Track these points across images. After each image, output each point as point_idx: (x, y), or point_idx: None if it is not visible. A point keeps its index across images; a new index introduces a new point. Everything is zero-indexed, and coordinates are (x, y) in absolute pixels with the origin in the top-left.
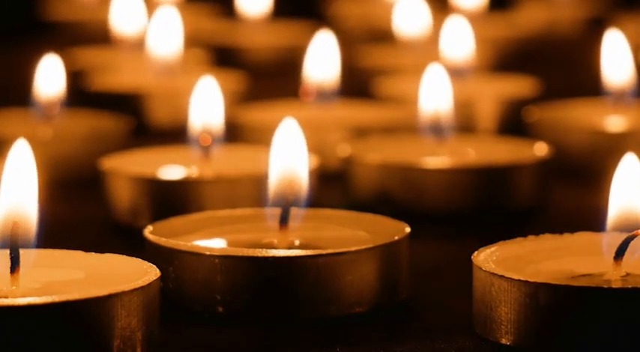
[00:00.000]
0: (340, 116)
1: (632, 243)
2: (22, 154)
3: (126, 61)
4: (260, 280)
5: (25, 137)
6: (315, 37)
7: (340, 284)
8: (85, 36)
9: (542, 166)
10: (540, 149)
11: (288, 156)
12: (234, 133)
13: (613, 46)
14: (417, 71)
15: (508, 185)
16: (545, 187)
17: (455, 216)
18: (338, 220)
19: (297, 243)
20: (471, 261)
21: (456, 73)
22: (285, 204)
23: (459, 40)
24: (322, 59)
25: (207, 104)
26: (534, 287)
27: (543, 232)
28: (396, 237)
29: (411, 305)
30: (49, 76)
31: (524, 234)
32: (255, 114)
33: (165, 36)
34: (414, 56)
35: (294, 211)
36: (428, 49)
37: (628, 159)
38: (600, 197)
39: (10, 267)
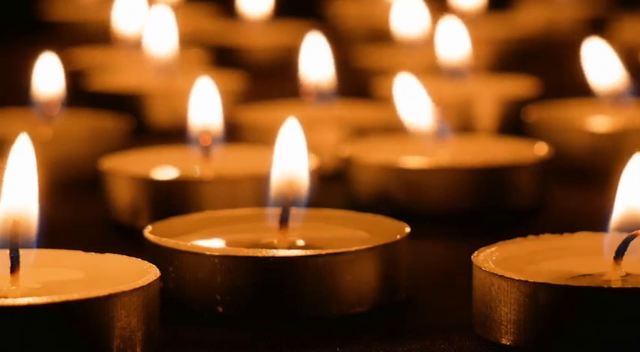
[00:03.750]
0: (340, 116)
1: (632, 243)
2: (23, 153)
3: (126, 61)
4: (260, 280)
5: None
6: (307, 38)
7: (340, 284)
8: (85, 36)
9: (542, 166)
10: (540, 149)
11: (289, 157)
12: (234, 133)
13: (602, 49)
14: (417, 71)
15: (508, 185)
16: (545, 187)
17: (455, 216)
18: (338, 220)
19: (297, 243)
20: (471, 261)
21: (456, 74)
22: (285, 204)
23: (459, 41)
24: (319, 59)
25: (205, 105)
26: (534, 287)
27: (543, 232)
28: (396, 237)
29: (411, 305)
30: (49, 76)
31: (524, 234)
32: (255, 114)
33: (165, 36)
34: (413, 56)
35: (294, 211)
36: (427, 49)
37: (636, 160)
38: (600, 197)
39: (10, 267)
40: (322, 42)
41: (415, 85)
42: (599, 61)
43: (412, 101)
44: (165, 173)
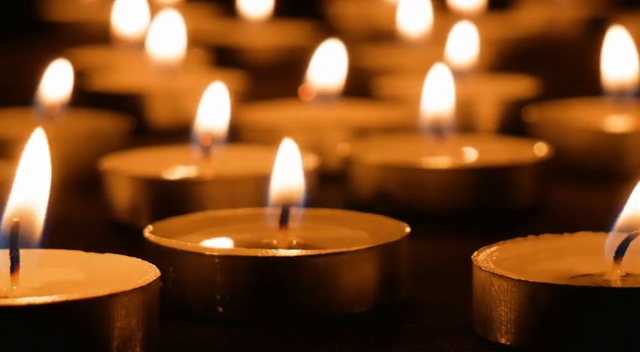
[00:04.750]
0: (340, 116)
1: (632, 243)
2: (37, 151)
3: (127, 61)
4: (260, 280)
5: (25, 137)
6: (323, 42)
7: (340, 284)
8: (86, 36)
9: (542, 166)
10: (540, 149)
11: (288, 160)
12: (234, 133)
13: (615, 46)
14: (418, 71)
15: (508, 185)
16: (545, 187)
17: (455, 216)
18: (338, 220)
19: (297, 243)
20: (470, 261)
21: (457, 74)
22: (286, 204)
23: (460, 41)
24: (327, 62)
25: (214, 107)
26: (534, 287)
27: (543, 232)
28: (396, 237)
29: (411, 305)
30: (57, 78)
31: (524, 234)
32: (255, 115)
33: (166, 36)
34: (414, 56)
35: (294, 211)
36: (428, 49)
37: None
38: (600, 197)
39: (10, 267)
40: (336, 46)
41: (445, 82)
42: (612, 57)
43: (436, 98)
44: (166, 173)
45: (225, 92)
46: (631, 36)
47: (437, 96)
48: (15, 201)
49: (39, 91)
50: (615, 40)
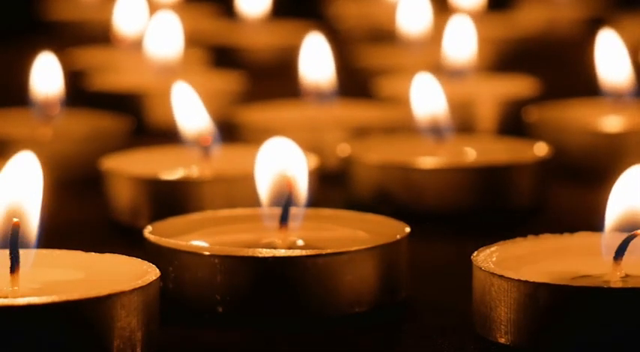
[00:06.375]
0: (340, 116)
1: (632, 243)
2: (26, 157)
3: (126, 61)
4: (260, 280)
5: (25, 137)
6: (307, 38)
7: (340, 284)
8: (85, 36)
9: (542, 166)
10: (540, 149)
11: (285, 157)
12: (234, 133)
13: (610, 46)
14: (417, 71)
15: (508, 185)
16: (545, 187)
17: (455, 216)
18: (338, 220)
19: (297, 243)
20: (470, 261)
21: (456, 73)
22: (285, 204)
23: (459, 40)
24: (319, 59)
25: (190, 108)
26: (534, 287)
27: (543, 232)
28: (396, 237)
29: (410, 305)
30: (47, 76)
31: (524, 234)
32: (255, 114)
33: (165, 36)
34: (414, 56)
35: (294, 211)
36: (428, 49)
37: (636, 169)
38: (600, 197)
39: (10, 267)
40: (322, 42)
41: (432, 84)
42: (608, 58)
43: (428, 100)
44: (165, 173)
45: (193, 92)
46: (630, 36)
47: (429, 97)
48: (6, 202)
49: (36, 91)
50: (615, 41)
